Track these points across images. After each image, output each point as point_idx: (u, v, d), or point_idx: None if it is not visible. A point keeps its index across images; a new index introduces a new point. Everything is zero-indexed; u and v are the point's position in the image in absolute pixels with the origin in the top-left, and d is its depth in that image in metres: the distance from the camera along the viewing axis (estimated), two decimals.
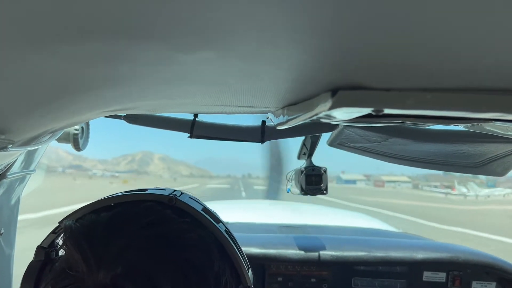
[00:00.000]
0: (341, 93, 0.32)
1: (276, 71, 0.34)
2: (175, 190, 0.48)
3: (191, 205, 0.44)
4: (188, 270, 0.39)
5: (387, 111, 0.33)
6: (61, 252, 0.41)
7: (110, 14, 0.22)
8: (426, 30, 0.23)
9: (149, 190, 0.47)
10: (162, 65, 0.33)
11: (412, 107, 0.32)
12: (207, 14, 0.22)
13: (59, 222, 0.43)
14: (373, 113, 0.34)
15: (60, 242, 0.41)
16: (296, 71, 0.34)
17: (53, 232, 0.43)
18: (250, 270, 0.47)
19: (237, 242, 0.47)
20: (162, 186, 0.50)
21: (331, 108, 0.33)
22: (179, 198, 0.44)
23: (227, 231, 0.46)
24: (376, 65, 0.30)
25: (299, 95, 0.44)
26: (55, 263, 0.41)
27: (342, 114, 0.36)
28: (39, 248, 0.43)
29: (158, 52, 0.29)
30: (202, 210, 0.45)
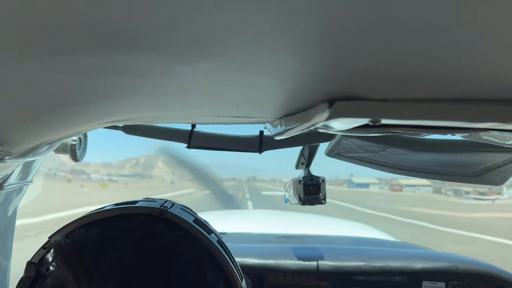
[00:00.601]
0: (338, 104, 0.32)
1: (273, 82, 0.35)
2: (165, 201, 0.47)
3: (182, 216, 0.44)
4: (181, 284, 0.39)
5: (384, 121, 0.33)
6: (52, 268, 0.40)
7: (110, 26, 0.22)
8: (423, 40, 0.23)
9: (139, 202, 0.46)
10: (161, 77, 0.33)
11: (409, 118, 0.32)
12: (205, 25, 0.22)
13: (48, 237, 0.42)
14: (370, 124, 0.34)
15: (50, 258, 0.40)
16: (293, 82, 0.34)
17: (43, 247, 0.42)
18: (243, 281, 0.46)
19: (229, 252, 0.46)
20: (152, 197, 0.49)
21: (328, 118, 0.33)
22: (170, 210, 0.44)
23: (219, 241, 0.45)
24: (372, 76, 0.30)
25: (297, 105, 0.44)
26: (46, 280, 0.40)
27: (340, 125, 0.36)
28: (29, 264, 0.41)
29: (157, 64, 0.30)
30: (193, 221, 0.44)
